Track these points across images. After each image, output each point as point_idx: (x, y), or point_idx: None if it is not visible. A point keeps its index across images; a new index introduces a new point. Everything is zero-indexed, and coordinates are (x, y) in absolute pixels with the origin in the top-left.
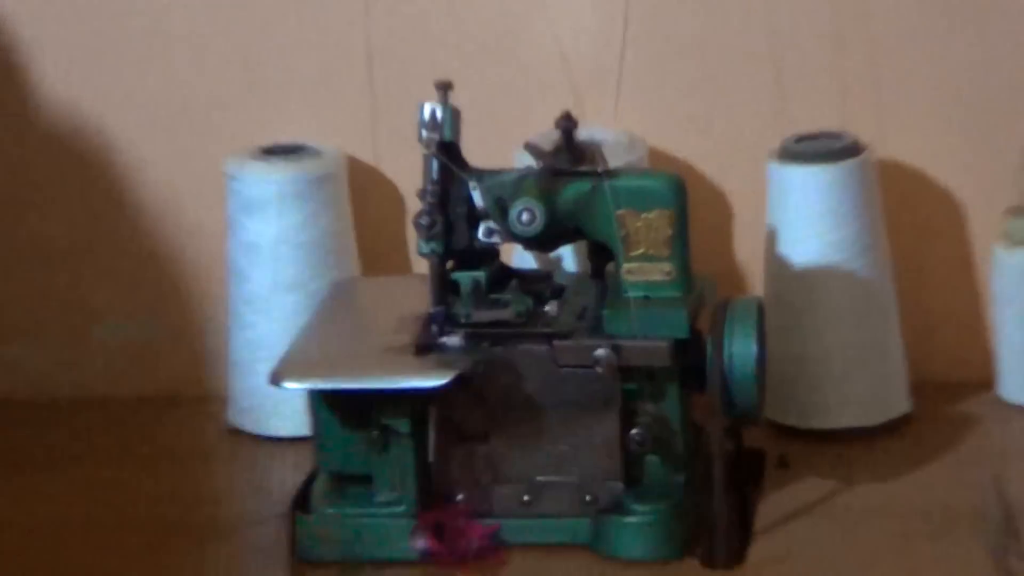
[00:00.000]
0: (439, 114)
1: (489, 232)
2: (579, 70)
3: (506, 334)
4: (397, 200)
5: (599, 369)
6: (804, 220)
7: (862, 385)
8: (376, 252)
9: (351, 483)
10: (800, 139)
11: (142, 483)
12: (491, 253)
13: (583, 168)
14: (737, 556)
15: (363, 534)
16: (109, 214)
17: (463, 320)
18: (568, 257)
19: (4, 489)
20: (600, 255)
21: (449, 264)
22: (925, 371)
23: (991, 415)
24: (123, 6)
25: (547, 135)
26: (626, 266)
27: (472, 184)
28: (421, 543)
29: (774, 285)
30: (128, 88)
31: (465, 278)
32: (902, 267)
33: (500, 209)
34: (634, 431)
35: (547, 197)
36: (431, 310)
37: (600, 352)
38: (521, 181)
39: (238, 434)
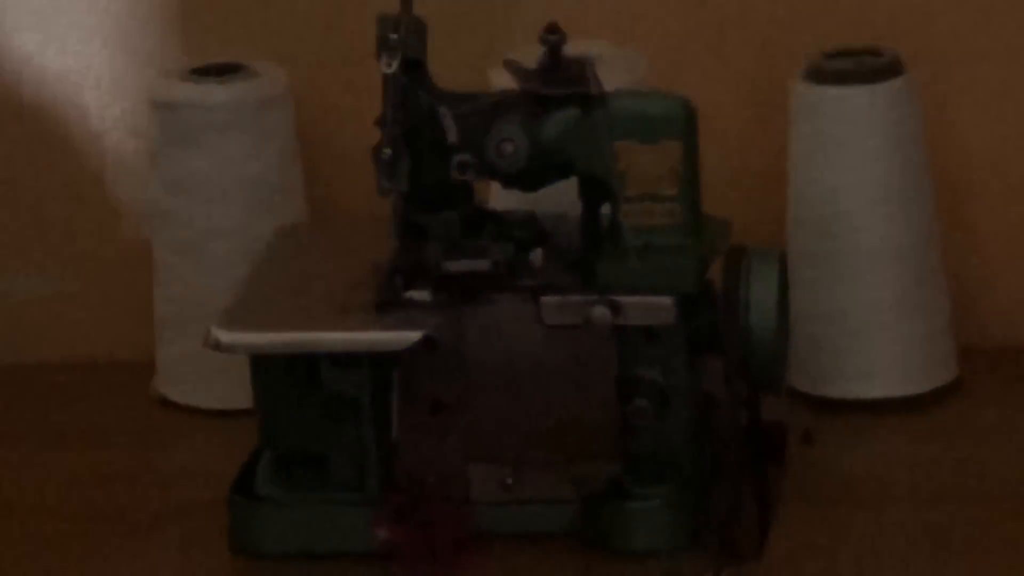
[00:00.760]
0: (402, 26)
1: (462, 167)
2: None
3: (483, 287)
4: (352, 130)
5: (592, 329)
6: (835, 153)
7: (900, 348)
8: (328, 191)
9: (301, 464)
10: (831, 55)
11: (56, 465)
12: (465, 192)
13: (572, 90)
14: (754, 547)
15: (315, 523)
16: (9, 146)
17: (432, 271)
18: (556, 197)
19: None
20: (593, 194)
21: (415, 205)
22: (974, 332)
23: None
24: None
25: (530, 51)
26: (624, 208)
27: (441, 110)
28: (384, 533)
29: (799, 229)
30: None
31: (434, 221)
32: (949, 210)
33: (475, 140)
34: (634, 401)
35: (530, 125)
36: (393, 259)
37: (593, 309)
38: (499, 106)
39: (167, 406)
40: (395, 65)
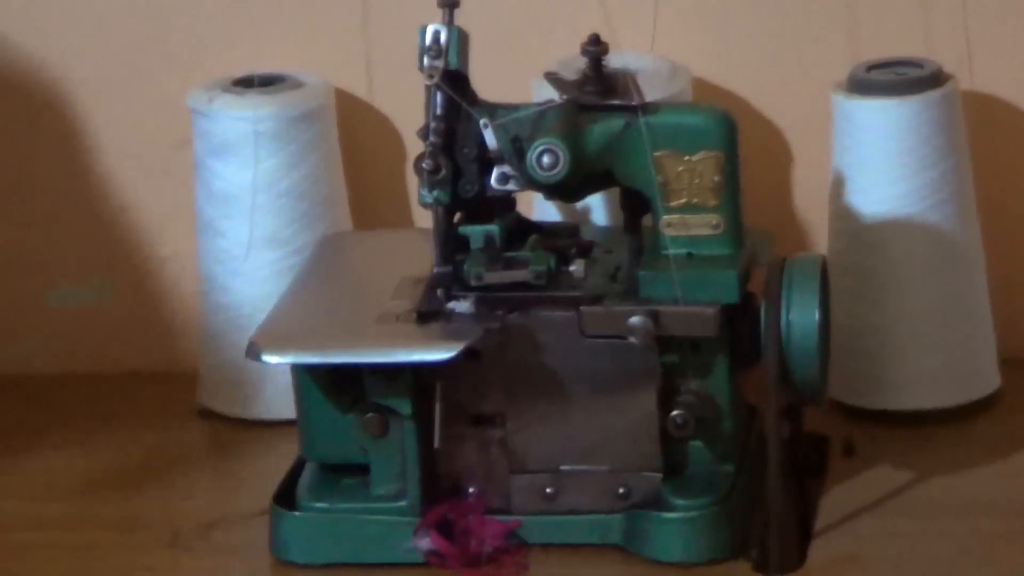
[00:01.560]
0: (443, 37)
1: (504, 178)
2: None
3: (524, 298)
4: (395, 141)
5: (634, 339)
6: (876, 163)
7: (943, 359)
8: (371, 202)
9: (344, 474)
10: (872, 67)
11: (101, 475)
12: (506, 203)
13: (615, 102)
14: (795, 558)
15: (358, 534)
16: (59, 158)
17: (473, 282)
18: (597, 208)
19: None
20: (635, 205)
21: (457, 216)
22: (1017, 343)
23: None
24: None
25: (572, 63)
26: (666, 218)
27: (483, 121)
28: (426, 544)
29: (840, 241)
30: (81, 11)
31: (476, 233)
32: (991, 219)
33: (517, 151)
34: (675, 412)
35: (572, 136)
36: (436, 270)
37: (635, 320)
38: (541, 117)
39: (211, 417)
40: (437, 76)
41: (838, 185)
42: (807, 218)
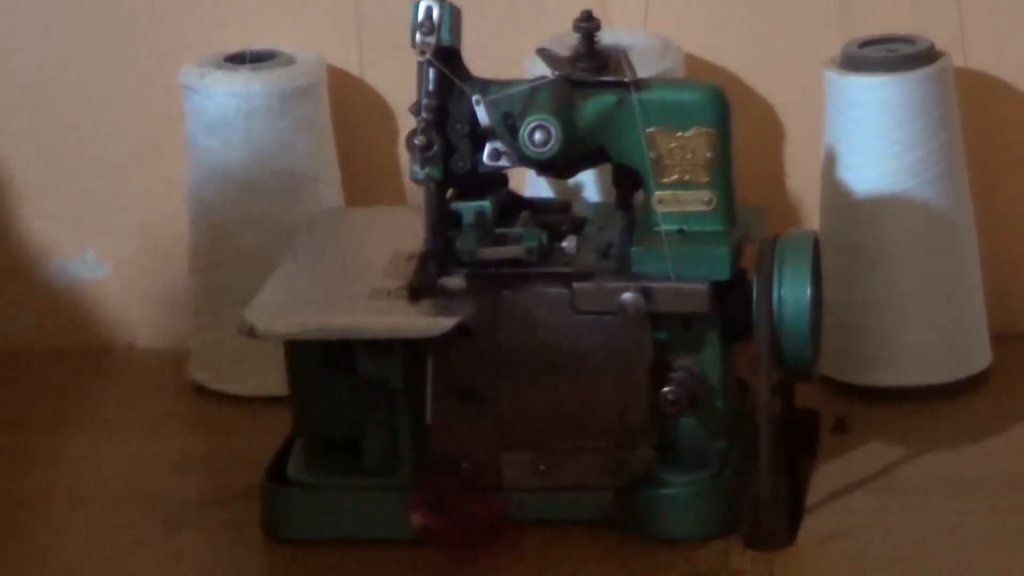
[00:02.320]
0: (436, 13)
1: (496, 154)
2: None
3: (516, 274)
4: (387, 117)
5: (626, 316)
6: (868, 140)
7: (934, 336)
8: (362, 179)
9: (335, 450)
10: (864, 43)
11: (93, 451)
12: (498, 179)
13: (607, 78)
14: (786, 534)
15: (349, 509)
16: (47, 133)
17: (466, 258)
18: (589, 184)
19: None
20: (627, 181)
21: (449, 192)
22: (1008, 320)
23: None
24: None
25: (564, 39)
26: (658, 194)
27: (475, 97)
28: (417, 520)
29: (832, 217)
30: None
31: (468, 209)
32: (982, 197)
33: (509, 127)
34: (667, 389)
35: (564, 113)
36: (428, 246)
37: (627, 296)
38: (533, 94)
39: (202, 392)
40: (429, 52)
41: (830, 161)
42: (799, 194)
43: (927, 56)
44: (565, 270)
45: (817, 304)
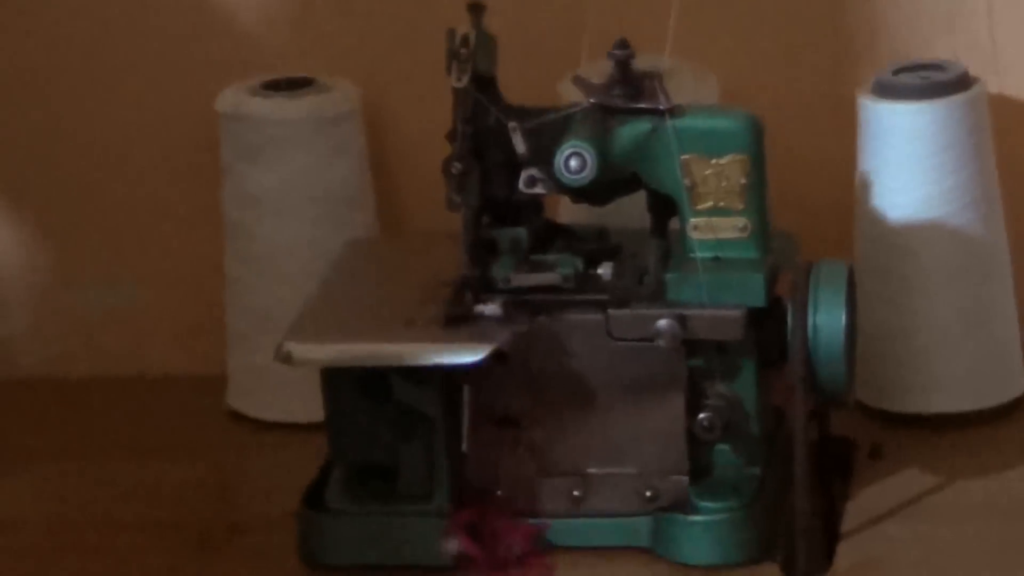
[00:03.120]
0: (472, 41)
1: (531, 181)
2: None
3: (552, 301)
4: (423, 144)
5: (661, 342)
6: (902, 167)
7: (969, 362)
8: (398, 205)
9: (372, 476)
10: (898, 70)
11: (129, 478)
12: (534, 206)
13: (641, 105)
14: (821, 562)
15: (386, 535)
16: (84, 159)
17: (501, 285)
18: (624, 211)
19: None
20: (662, 208)
21: (485, 219)
22: None
23: None
24: None
25: (598, 66)
26: (693, 221)
27: (511, 125)
28: (454, 546)
29: (866, 244)
30: (111, 13)
31: (504, 235)
32: (1016, 224)
33: (544, 154)
34: (702, 415)
35: (599, 140)
36: (464, 273)
37: (662, 323)
38: (568, 121)
39: (239, 419)
40: (465, 80)
41: (864, 188)
42: (833, 221)
43: (961, 83)
44: (600, 297)
45: (852, 331)
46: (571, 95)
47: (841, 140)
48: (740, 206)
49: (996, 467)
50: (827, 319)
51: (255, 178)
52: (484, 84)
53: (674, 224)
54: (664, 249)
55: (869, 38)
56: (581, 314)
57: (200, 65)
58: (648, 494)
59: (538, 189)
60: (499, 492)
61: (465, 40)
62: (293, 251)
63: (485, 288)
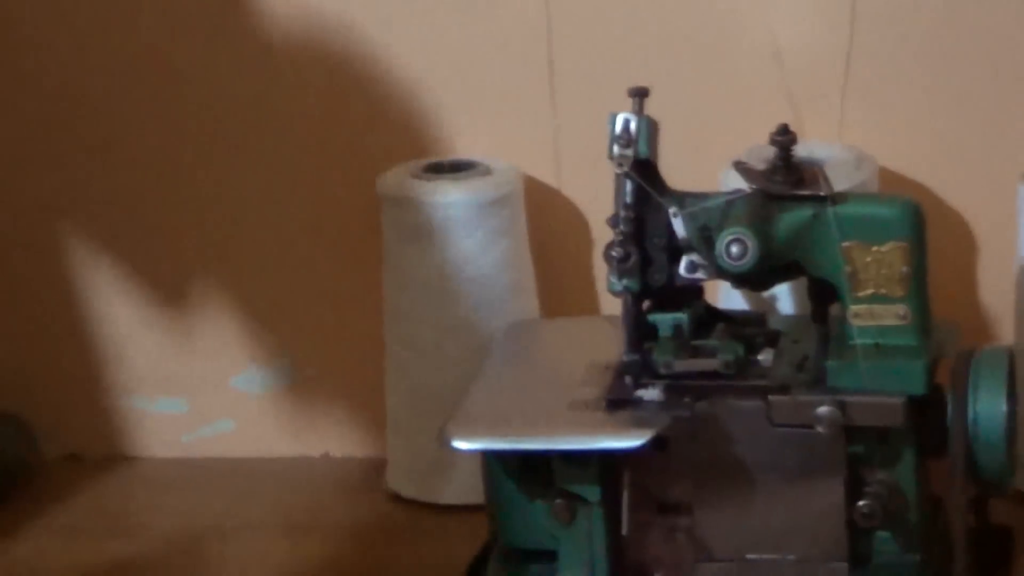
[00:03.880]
0: (633, 126)
1: (692, 267)
2: (797, 75)
3: (712, 387)
4: (584, 228)
5: (821, 429)
6: None
7: None
8: (559, 289)
9: (532, 559)
10: None
11: (288, 557)
12: (694, 292)
13: (803, 192)
14: None
15: None
16: (245, 240)
17: (662, 370)
18: (785, 297)
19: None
20: (822, 295)
21: (645, 304)
22: None
23: None
24: None
25: (760, 152)
26: (853, 308)
27: (672, 210)
28: None
29: None
30: (267, 95)
31: (664, 321)
32: None
33: (705, 240)
34: (862, 502)
35: (760, 226)
36: (624, 358)
37: (823, 410)
38: (730, 207)
39: (399, 501)
40: (627, 165)
41: None
42: (993, 308)
43: None
44: (761, 383)
45: (1013, 419)
46: (732, 181)
47: (1001, 225)
48: (901, 293)
49: None
50: (987, 407)
51: (416, 260)
52: (645, 168)
53: (834, 310)
54: (824, 335)
55: None
56: (742, 400)
57: (362, 148)
58: None
59: (699, 275)
60: None
61: (627, 125)
62: (454, 333)
63: (646, 373)
